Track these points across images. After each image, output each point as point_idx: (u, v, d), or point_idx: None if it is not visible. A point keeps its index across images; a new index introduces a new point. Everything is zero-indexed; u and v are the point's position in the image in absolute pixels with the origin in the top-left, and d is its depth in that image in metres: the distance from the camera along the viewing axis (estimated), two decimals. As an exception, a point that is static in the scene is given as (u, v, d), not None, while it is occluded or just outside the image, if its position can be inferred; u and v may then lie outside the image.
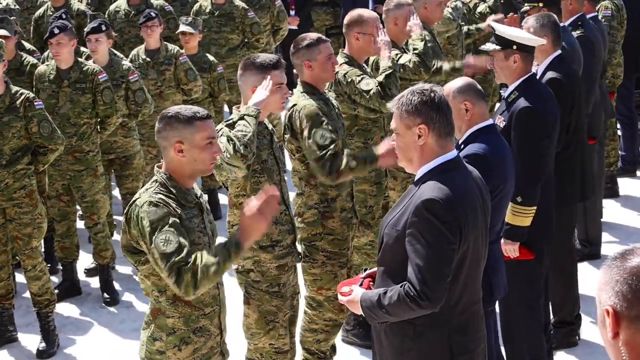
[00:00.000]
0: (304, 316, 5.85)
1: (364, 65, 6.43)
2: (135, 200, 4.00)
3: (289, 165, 5.65)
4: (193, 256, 3.87)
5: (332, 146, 5.42)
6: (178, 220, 3.92)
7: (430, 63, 6.84)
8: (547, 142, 5.47)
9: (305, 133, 5.45)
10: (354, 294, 4.03)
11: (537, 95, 5.50)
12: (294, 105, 5.54)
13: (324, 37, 5.78)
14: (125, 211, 4.02)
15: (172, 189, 4.01)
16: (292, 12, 13.55)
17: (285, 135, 5.56)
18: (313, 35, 5.73)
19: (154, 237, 3.85)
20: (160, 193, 3.97)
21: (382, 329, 4.00)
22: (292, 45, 5.72)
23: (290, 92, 5.40)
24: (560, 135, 5.79)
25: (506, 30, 5.52)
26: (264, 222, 3.93)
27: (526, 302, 5.65)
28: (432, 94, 3.86)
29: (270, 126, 5.31)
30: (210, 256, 3.89)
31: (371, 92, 6.07)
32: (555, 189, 5.82)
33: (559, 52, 6.13)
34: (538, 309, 5.71)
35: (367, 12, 6.39)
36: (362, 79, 6.14)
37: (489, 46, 5.56)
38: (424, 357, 3.87)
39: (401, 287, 3.78)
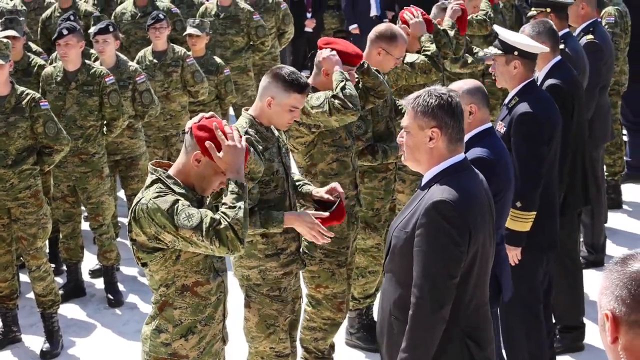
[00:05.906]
0: (304, 314, 5.83)
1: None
2: (139, 201, 3.98)
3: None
4: (217, 215, 3.90)
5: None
6: (187, 202, 3.94)
7: (441, 64, 6.85)
8: (546, 147, 5.45)
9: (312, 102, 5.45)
10: None
11: (537, 100, 5.48)
12: None
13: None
14: (131, 215, 3.99)
15: (172, 186, 4.00)
16: (309, 15, 13.58)
17: (294, 127, 5.49)
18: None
19: (176, 221, 3.86)
20: (161, 190, 3.97)
21: (392, 320, 3.95)
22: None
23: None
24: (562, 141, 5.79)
25: (509, 36, 5.52)
26: (240, 151, 3.96)
27: (527, 308, 5.64)
28: (450, 99, 3.86)
29: (277, 132, 5.19)
30: (228, 208, 3.91)
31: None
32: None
33: (558, 57, 6.11)
34: (538, 314, 5.69)
35: (400, 34, 6.30)
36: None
37: (492, 50, 5.56)
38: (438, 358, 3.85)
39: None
